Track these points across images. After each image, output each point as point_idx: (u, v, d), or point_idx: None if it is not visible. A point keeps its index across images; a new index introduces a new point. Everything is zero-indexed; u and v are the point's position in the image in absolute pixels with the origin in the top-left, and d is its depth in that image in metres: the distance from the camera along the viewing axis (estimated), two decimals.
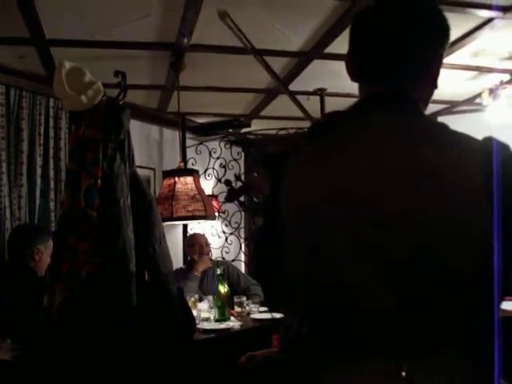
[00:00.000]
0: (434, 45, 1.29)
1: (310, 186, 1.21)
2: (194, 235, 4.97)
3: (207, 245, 4.81)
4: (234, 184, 3.10)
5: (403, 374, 1.08)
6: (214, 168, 5.79)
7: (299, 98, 4.81)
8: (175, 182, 4.19)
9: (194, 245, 4.76)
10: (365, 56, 1.32)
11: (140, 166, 3.91)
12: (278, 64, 4.17)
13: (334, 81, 4.42)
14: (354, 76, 1.36)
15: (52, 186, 4.36)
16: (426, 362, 1.08)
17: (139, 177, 2.70)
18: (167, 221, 3.97)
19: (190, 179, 4.21)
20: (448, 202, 1.09)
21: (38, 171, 4.29)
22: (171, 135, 5.67)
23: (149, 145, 5.47)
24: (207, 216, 4.13)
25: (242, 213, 5.85)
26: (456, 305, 1.09)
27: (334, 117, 1.38)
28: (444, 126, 1.22)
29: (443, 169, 1.11)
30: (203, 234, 4.97)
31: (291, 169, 1.28)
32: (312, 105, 4.91)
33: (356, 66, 1.35)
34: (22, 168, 4.20)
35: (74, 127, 2.59)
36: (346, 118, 1.32)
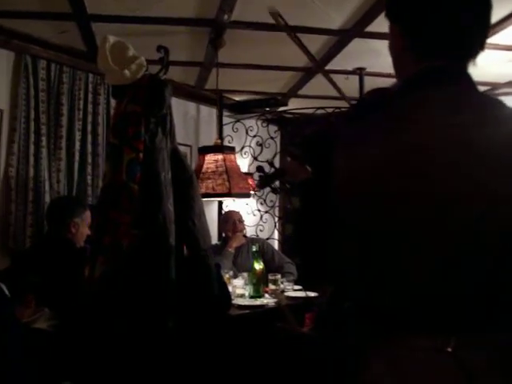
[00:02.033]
0: (489, 20, 1.25)
1: (366, 161, 1.19)
2: (229, 212, 5.00)
3: (241, 222, 4.83)
4: (268, 170, 3.09)
5: (449, 349, 1.08)
6: (250, 146, 5.79)
7: (338, 77, 4.81)
8: (205, 159, 4.21)
9: (228, 221, 4.79)
10: (428, 28, 1.25)
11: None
12: (318, 42, 4.13)
13: (374, 60, 4.36)
14: (403, 49, 1.31)
15: (89, 160, 4.41)
16: (473, 338, 1.08)
17: (180, 152, 2.72)
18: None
19: (220, 156, 4.22)
20: (506, 177, 1.08)
21: (77, 145, 4.35)
22: (208, 112, 5.68)
23: (186, 122, 5.49)
24: (232, 193, 4.13)
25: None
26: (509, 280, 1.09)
27: (382, 93, 1.36)
28: (500, 103, 1.20)
29: (501, 146, 1.10)
30: (238, 212, 4.99)
31: (342, 147, 1.25)
32: (351, 84, 4.87)
33: (410, 38, 1.28)
34: (61, 142, 4.26)
35: (117, 101, 2.62)
36: (399, 93, 1.29)
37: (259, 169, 2.91)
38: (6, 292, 1.94)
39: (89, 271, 2.43)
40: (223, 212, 5.46)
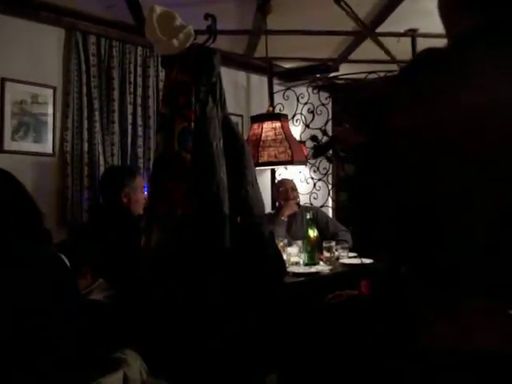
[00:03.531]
0: None
1: (421, 120, 1.15)
2: (282, 180, 4.98)
3: (294, 190, 4.79)
4: (320, 138, 3.04)
5: (510, 312, 1.05)
6: (301, 113, 5.73)
7: (389, 39, 4.69)
8: (263, 127, 4.19)
9: (281, 190, 4.77)
10: None
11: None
12: (369, 4, 4.03)
13: (427, 21, 4.23)
14: (454, 5, 1.26)
15: (140, 133, 4.45)
16: None
17: (231, 120, 2.70)
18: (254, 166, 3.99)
19: (277, 124, 4.20)
20: None
21: (129, 119, 4.39)
22: (258, 81, 5.64)
23: (236, 91, 5.46)
24: (294, 161, 4.11)
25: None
26: None
27: (434, 52, 1.31)
28: None
29: None
30: (291, 180, 4.96)
31: (395, 108, 1.22)
32: (403, 47, 4.75)
33: None
34: (113, 116, 4.31)
35: (166, 72, 2.62)
36: (450, 52, 1.25)
37: (313, 138, 2.88)
38: (67, 263, 1.98)
39: (145, 240, 2.46)
40: (276, 180, 5.45)
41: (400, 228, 1.23)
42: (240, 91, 5.57)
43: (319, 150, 2.56)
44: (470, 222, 1.09)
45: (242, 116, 5.41)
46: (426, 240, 1.16)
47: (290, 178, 5.15)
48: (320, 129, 5.43)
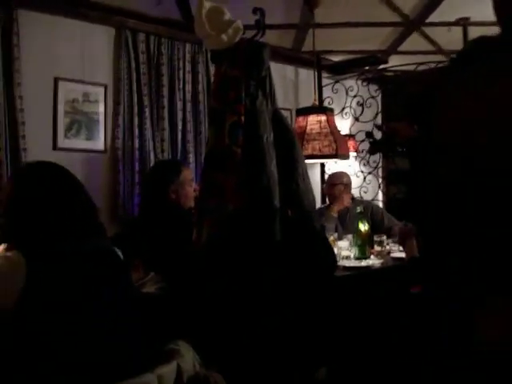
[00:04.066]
0: None
1: (475, 113, 1.12)
2: (333, 174, 4.92)
3: (346, 184, 4.74)
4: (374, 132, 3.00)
5: None
6: (351, 106, 5.68)
7: (440, 29, 4.60)
8: (308, 120, 4.17)
9: (331, 184, 4.73)
10: None
11: None
12: None
13: (479, 8, 4.12)
14: None
15: (190, 128, 4.49)
16: None
17: (281, 113, 2.70)
18: None
19: (323, 117, 4.17)
20: None
21: (179, 115, 4.43)
22: (306, 75, 5.61)
23: (284, 85, 5.45)
24: (338, 155, 4.08)
25: (380, 152, 5.73)
26: None
27: (485, 42, 1.28)
28: None
29: None
30: (343, 174, 4.88)
31: (443, 100, 1.20)
32: (454, 36, 4.66)
33: None
34: (163, 112, 4.36)
35: (216, 66, 2.64)
36: (500, 42, 1.21)
37: (369, 135, 2.86)
38: (121, 256, 2.02)
39: (196, 234, 2.48)
40: (326, 175, 5.42)
41: (452, 223, 1.20)
42: (288, 85, 5.56)
43: (377, 146, 2.55)
44: None
45: (290, 110, 5.39)
46: (482, 228, 1.14)
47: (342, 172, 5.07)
48: (375, 124, 5.40)
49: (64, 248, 1.85)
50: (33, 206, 1.89)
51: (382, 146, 2.34)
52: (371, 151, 2.64)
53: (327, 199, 4.90)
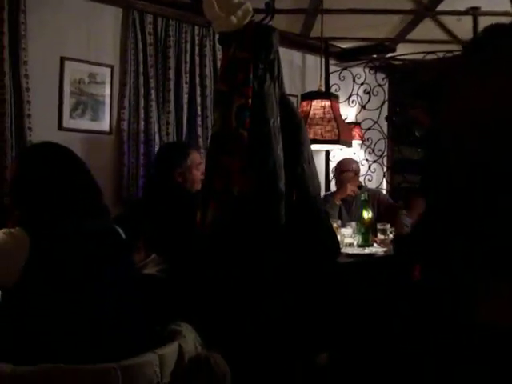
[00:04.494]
0: None
1: (481, 101, 1.11)
2: (342, 161, 4.87)
3: (355, 171, 4.71)
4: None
5: None
6: (357, 94, 5.65)
7: (449, 18, 4.57)
8: (312, 105, 4.16)
9: (341, 171, 4.71)
10: None
11: None
12: None
13: None
14: None
15: (199, 112, 4.47)
16: None
17: (288, 98, 2.69)
18: None
19: (327, 103, 4.15)
20: None
21: (185, 98, 4.42)
22: (314, 61, 5.58)
23: (291, 71, 5.42)
24: (340, 141, 4.06)
25: (386, 141, 5.72)
26: None
27: (496, 29, 1.26)
28: None
29: None
30: (352, 160, 4.85)
31: (454, 88, 1.18)
32: (464, 26, 4.62)
33: None
34: (169, 95, 4.34)
35: (224, 49, 2.62)
36: None
37: (388, 119, 2.83)
38: (123, 236, 2.02)
39: (200, 216, 2.48)
40: (330, 163, 5.41)
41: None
42: (295, 71, 5.52)
43: (403, 133, 2.54)
44: None
45: (297, 96, 5.37)
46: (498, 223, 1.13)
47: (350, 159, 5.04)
48: (385, 117, 5.37)
49: (67, 227, 1.85)
50: (37, 186, 1.90)
51: (404, 132, 2.33)
52: (397, 137, 2.61)
53: (335, 185, 4.88)
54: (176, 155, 3.53)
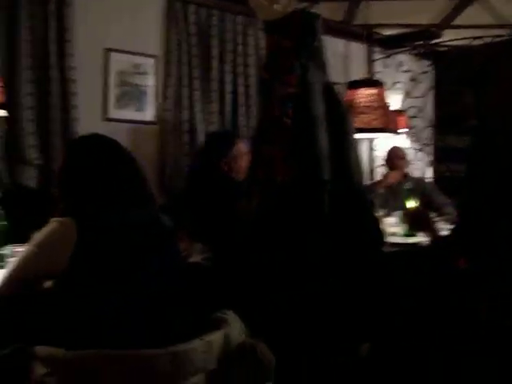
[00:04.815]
0: None
1: None
2: (395, 148, 4.81)
3: (401, 159, 4.66)
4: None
5: None
6: (402, 82, 5.57)
7: (498, 2, 4.45)
8: (357, 93, 4.12)
9: (394, 157, 4.66)
10: None
11: None
12: None
13: None
14: None
15: (242, 101, 4.48)
16: None
17: (332, 86, 2.67)
18: None
19: (373, 91, 4.11)
20: None
21: (228, 87, 4.43)
22: (357, 49, 5.52)
23: (335, 59, 5.31)
24: (386, 129, 4.02)
25: (431, 129, 5.63)
26: None
27: None
28: None
29: None
30: (401, 148, 4.80)
31: (504, 73, 1.16)
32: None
33: None
34: (212, 84, 4.36)
35: (268, 37, 2.62)
36: None
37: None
38: (169, 225, 2.03)
39: (244, 205, 2.50)
40: (373, 152, 5.35)
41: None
42: (338, 59, 5.46)
43: (452, 121, 2.50)
44: None
45: (340, 84, 5.31)
46: None
47: (390, 147, 4.98)
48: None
49: (112, 218, 1.88)
50: (83, 177, 1.93)
51: (457, 121, 2.29)
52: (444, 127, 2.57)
53: (382, 173, 4.83)
54: (222, 144, 3.54)
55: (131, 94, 4.10)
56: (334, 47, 5.34)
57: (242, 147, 3.51)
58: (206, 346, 1.75)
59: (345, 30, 5.33)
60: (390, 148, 4.89)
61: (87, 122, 3.72)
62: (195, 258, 2.85)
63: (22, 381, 1.78)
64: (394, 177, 4.52)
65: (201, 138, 4.19)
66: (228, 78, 4.41)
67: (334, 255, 2.54)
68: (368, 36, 4.93)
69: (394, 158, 4.69)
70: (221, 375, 1.80)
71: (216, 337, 1.80)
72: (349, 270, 2.60)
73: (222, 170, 3.41)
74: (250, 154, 3.33)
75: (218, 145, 3.55)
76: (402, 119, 5.43)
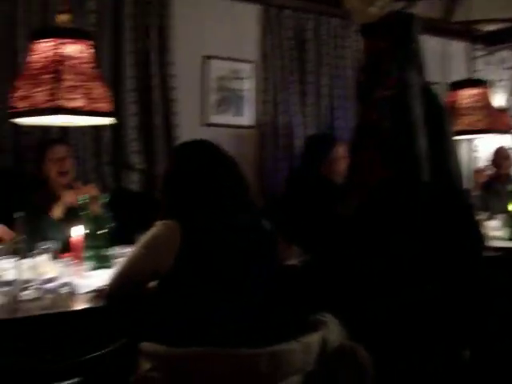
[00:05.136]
0: None
1: None
2: (501, 149, 4.67)
3: (502, 158, 4.50)
4: None
5: None
6: (505, 79, 5.36)
7: None
8: (460, 94, 4.01)
9: (503, 158, 4.52)
10: None
11: None
12: None
13: None
14: None
15: (338, 104, 4.48)
16: None
17: (431, 87, 2.63)
18: None
19: (476, 91, 3.99)
20: None
21: (325, 90, 4.44)
22: (457, 47, 5.36)
23: (433, 58, 5.19)
24: (492, 130, 3.89)
25: None
26: None
27: None
28: None
29: None
30: (500, 148, 4.63)
31: None
32: None
33: None
34: (309, 88, 4.39)
35: (365, 40, 2.60)
36: None
37: None
38: (271, 230, 2.06)
39: (343, 208, 2.50)
40: (473, 153, 5.18)
41: None
42: (437, 58, 5.31)
43: None
44: None
45: (439, 84, 5.18)
46: None
47: (493, 147, 4.81)
48: None
49: (216, 221, 1.93)
50: (188, 182, 1.99)
51: None
52: None
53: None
54: (322, 147, 3.57)
55: (229, 100, 4.19)
56: (432, 46, 5.21)
57: (341, 150, 3.50)
58: (305, 348, 1.76)
59: (444, 28, 5.19)
60: (496, 148, 4.73)
61: (187, 128, 3.84)
62: (293, 261, 2.87)
63: (128, 374, 1.87)
64: (483, 176, 4.37)
65: (298, 141, 4.22)
66: (324, 80, 4.43)
67: (433, 260, 2.49)
68: (468, 33, 4.77)
69: (499, 157, 4.53)
70: (318, 377, 1.81)
71: (314, 339, 1.81)
72: (448, 275, 2.54)
73: (322, 173, 3.42)
74: (347, 158, 3.34)
75: (318, 147, 3.57)
76: (506, 118, 5.22)
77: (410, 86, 2.42)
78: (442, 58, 5.37)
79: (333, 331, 1.89)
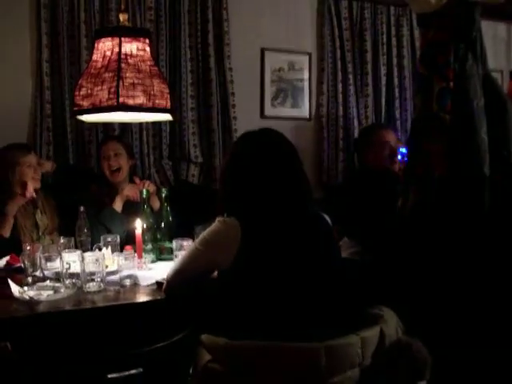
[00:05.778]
0: None
1: None
2: None
3: None
4: None
5: None
6: None
7: None
8: None
9: None
10: None
11: None
12: None
13: None
14: None
15: (397, 94, 4.42)
16: None
17: (493, 77, 2.56)
18: None
19: None
20: None
21: (383, 80, 4.39)
22: None
23: (495, 45, 5.07)
24: None
25: None
26: None
27: None
28: None
29: None
30: None
31: None
32: None
33: None
34: (367, 78, 4.34)
35: (423, 30, 2.56)
36: None
37: None
38: (329, 222, 2.06)
39: (402, 201, 2.47)
40: None
41: None
42: (500, 45, 5.17)
43: None
44: None
45: (501, 72, 5.04)
46: None
47: None
48: None
49: (273, 216, 1.94)
50: (243, 176, 2.00)
51: None
52: None
53: None
54: (364, 135, 3.60)
55: (287, 92, 4.20)
56: (494, 32, 5.08)
57: (384, 135, 3.44)
58: (362, 342, 1.77)
59: (507, 12, 5.02)
60: None
61: (245, 121, 3.87)
62: (344, 253, 2.87)
63: (189, 364, 1.91)
64: None
65: (356, 133, 4.19)
66: (382, 71, 4.37)
67: (497, 254, 2.43)
68: None
69: None
70: (375, 370, 1.81)
71: (371, 333, 1.81)
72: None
73: (368, 161, 3.39)
74: (395, 143, 3.31)
75: (360, 136, 3.58)
76: None
77: (470, 77, 2.37)
78: (505, 44, 5.21)
79: (391, 326, 1.89)
